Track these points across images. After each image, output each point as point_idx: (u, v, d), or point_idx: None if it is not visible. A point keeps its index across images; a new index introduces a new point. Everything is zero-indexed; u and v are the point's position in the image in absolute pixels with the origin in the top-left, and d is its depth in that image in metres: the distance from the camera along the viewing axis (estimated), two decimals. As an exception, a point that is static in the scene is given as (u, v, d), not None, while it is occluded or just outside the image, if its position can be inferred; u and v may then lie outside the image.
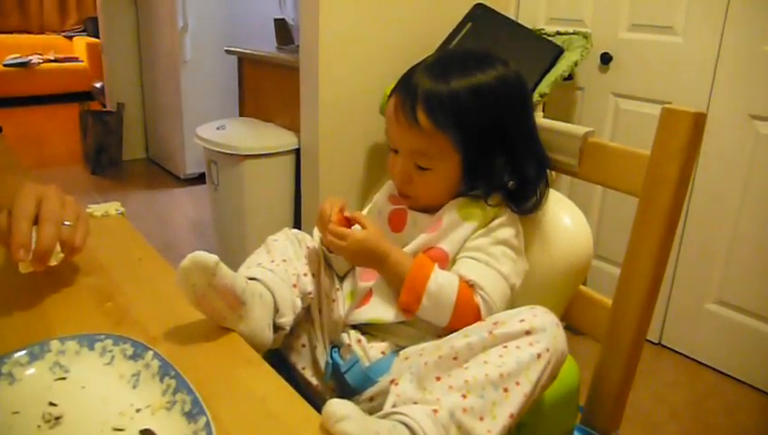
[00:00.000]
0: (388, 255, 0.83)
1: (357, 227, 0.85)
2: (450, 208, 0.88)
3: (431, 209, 0.90)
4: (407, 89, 0.86)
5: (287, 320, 0.80)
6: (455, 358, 0.67)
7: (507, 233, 0.87)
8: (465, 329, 0.71)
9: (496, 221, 0.87)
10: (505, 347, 0.67)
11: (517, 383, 0.65)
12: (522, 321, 0.68)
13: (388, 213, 0.93)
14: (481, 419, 0.63)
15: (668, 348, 2.19)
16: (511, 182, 0.89)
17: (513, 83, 0.88)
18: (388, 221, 0.93)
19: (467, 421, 0.63)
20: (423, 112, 0.83)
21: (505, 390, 0.65)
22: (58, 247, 0.71)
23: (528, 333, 0.67)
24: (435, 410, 0.63)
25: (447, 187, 0.89)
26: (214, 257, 0.67)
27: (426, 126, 0.83)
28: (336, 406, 0.55)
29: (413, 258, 0.84)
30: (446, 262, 0.86)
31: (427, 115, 0.83)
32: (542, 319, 0.69)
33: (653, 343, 2.21)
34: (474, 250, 0.85)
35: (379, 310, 0.85)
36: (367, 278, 0.89)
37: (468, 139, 0.84)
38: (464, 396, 0.64)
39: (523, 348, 0.67)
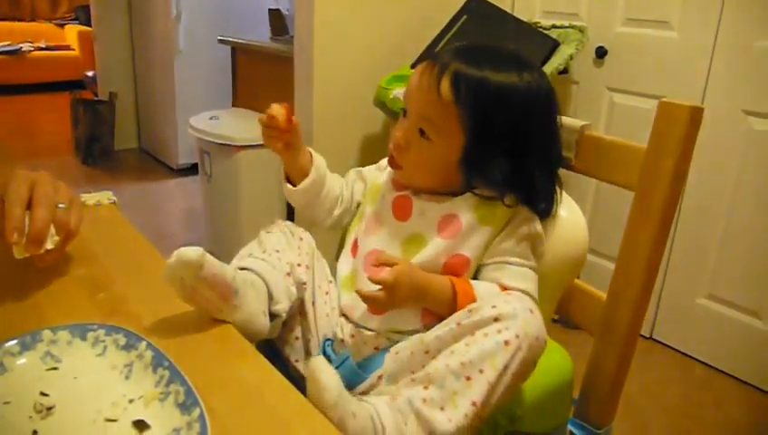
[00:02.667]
0: (428, 285, 0.80)
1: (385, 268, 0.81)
2: (465, 209, 0.85)
3: (433, 195, 0.88)
4: (438, 60, 0.84)
5: (283, 307, 0.80)
6: (426, 352, 0.69)
7: (527, 228, 0.86)
8: (443, 322, 0.72)
9: (515, 219, 0.86)
10: (473, 336, 0.68)
11: (481, 371, 0.66)
12: (493, 307, 0.69)
13: (392, 199, 0.91)
14: (442, 408, 0.65)
15: (660, 342, 2.20)
16: (509, 189, 0.86)
17: (541, 95, 0.85)
18: (392, 208, 0.90)
19: (426, 411, 0.65)
20: (448, 82, 0.81)
21: (468, 378, 0.66)
22: (53, 230, 0.70)
23: (497, 319, 0.68)
24: (393, 399, 0.67)
25: (440, 168, 0.86)
26: (199, 249, 0.67)
27: (445, 95, 0.81)
28: (321, 374, 0.59)
29: (447, 280, 0.81)
30: (468, 267, 0.84)
31: (451, 86, 0.81)
32: (514, 305, 0.69)
33: (644, 337, 2.22)
34: (506, 254, 0.84)
35: (401, 319, 0.83)
36: (372, 270, 0.86)
37: (478, 126, 0.82)
38: (425, 387, 0.66)
39: (491, 336, 0.67)
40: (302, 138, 0.94)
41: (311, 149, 0.96)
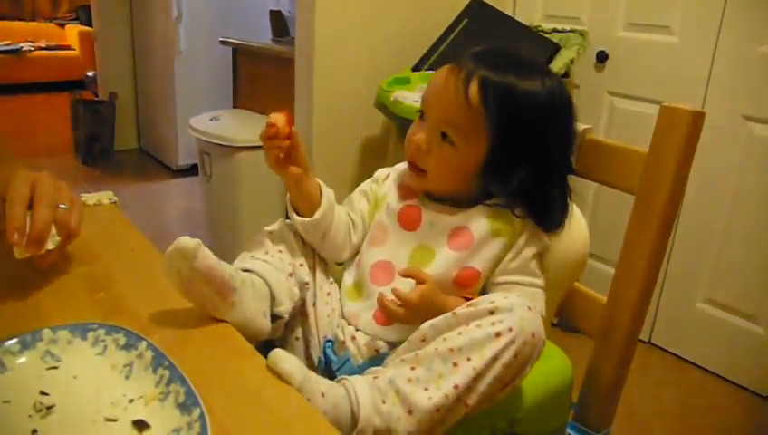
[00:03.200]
0: (445, 309, 0.77)
1: (410, 281, 0.81)
2: (477, 221, 0.85)
3: (445, 203, 0.88)
4: (463, 65, 0.83)
5: (285, 308, 0.80)
6: (423, 340, 0.71)
7: (537, 243, 0.86)
8: None
9: (526, 233, 0.85)
10: (467, 326, 0.69)
11: (468, 359, 0.67)
12: (491, 302, 0.69)
13: (399, 209, 0.90)
14: (426, 389, 0.67)
15: (658, 347, 2.20)
16: (524, 199, 0.86)
17: (563, 102, 0.85)
18: (398, 218, 0.90)
19: (407, 388, 0.67)
20: (476, 87, 0.81)
21: (455, 364, 0.67)
22: (54, 230, 0.70)
23: (492, 312, 0.68)
24: (375, 377, 0.69)
25: (461, 173, 0.85)
26: (195, 240, 0.68)
27: (473, 100, 0.81)
28: (282, 364, 0.60)
29: (462, 302, 0.78)
30: (477, 281, 0.84)
31: (479, 91, 0.81)
32: (511, 300, 0.69)
33: (643, 341, 2.22)
34: (518, 273, 0.85)
35: (404, 331, 0.80)
36: (380, 281, 0.87)
37: (503, 132, 0.82)
38: (412, 368, 0.68)
39: (483, 327, 0.68)
40: (307, 162, 0.87)
41: (318, 180, 0.90)
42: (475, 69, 0.82)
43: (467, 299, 0.77)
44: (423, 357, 0.68)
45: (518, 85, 0.82)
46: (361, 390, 0.68)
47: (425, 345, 0.70)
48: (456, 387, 0.66)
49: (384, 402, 0.67)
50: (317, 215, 0.86)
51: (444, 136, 0.83)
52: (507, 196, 0.85)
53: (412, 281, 0.81)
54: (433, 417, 0.67)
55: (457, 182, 0.86)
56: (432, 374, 0.67)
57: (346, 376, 0.71)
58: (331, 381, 0.69)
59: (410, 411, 0.67)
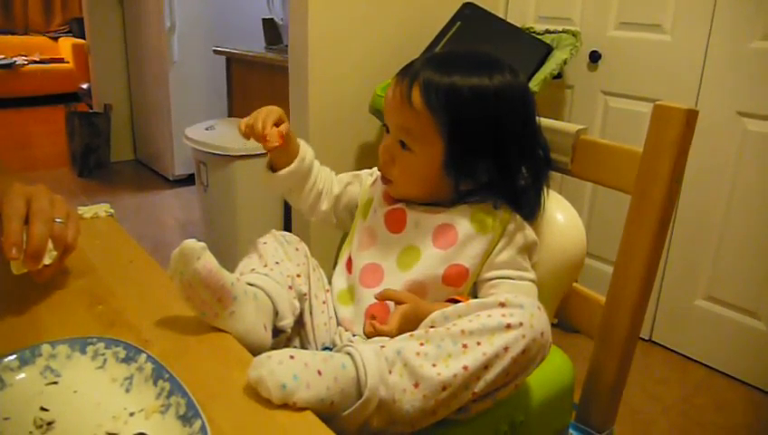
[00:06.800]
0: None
1: (399, 283, 0.84)
2: (461, 218, 0.86)
3: (427, 205, 0.89)
4: (409, 72, 0.87)
5: (288, 322, 0.80)
6: (432, 326, 0.70)
7: (523, 237, 0.87)
8: None
9: (510, 228, 0.86)
10: (478, 315, 0.68)
11: (478, 343, 0.66)
12: (503, 298, 0.70)
13: (384, 213, 0.92)
14: (434, 365, 0.65)
15: (659, 344, 2.20)
16: (498, 191, 0.88)
17: (516, 94, 0.87)
18: (385, 221, 0.91)
19: (415, 361, 0.65)
20: (418, 92, 0.84)
21: (464, 346, 0.66)
22: (51, 245, 0.70)
23: (502, 305, 0.69)
24: (381, 346, 0.67)
25: (426, 175, 0.87)
26: (200, 244, 0.68)
27: (417, 104, 0.84)
28: (262, 388, 0.57)
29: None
30: (467, 278, 0.85)
31: (421, 95, 0.84)
32: (522, 299, 0.70)
33: (643, 339, 2.22)
34: (506, 267, 0.85)
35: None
36: (369, 283, 0.88)
37: (454, 129, 0.84)
38: (421, 344, 0.67)
39: (494, 317, 0.68)
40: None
41: (301, 141, 0.97)
42: (418, 73, 0.85)
43: (456, 301, 0.77)
44: (433, 335, 0.67)
45: (461, 83, 0.83)
46: (368, 358, 0.65)
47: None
48: (465, 368, 0.65)
49: (390, 373, 0.65)
50: (282, 172, 0.95)
51: (402, 144, 0.86)
52: (480, 190, 0.87)
53: (402, 281, 0.83)
54: (439, 394, 0.65)
55: (424, 186, 0.88)
56: (441, 352, 0.66)
57: (353, 343, 0.68)
58: (324, 354, 0.65)
59: (417, 385, 0.65)
